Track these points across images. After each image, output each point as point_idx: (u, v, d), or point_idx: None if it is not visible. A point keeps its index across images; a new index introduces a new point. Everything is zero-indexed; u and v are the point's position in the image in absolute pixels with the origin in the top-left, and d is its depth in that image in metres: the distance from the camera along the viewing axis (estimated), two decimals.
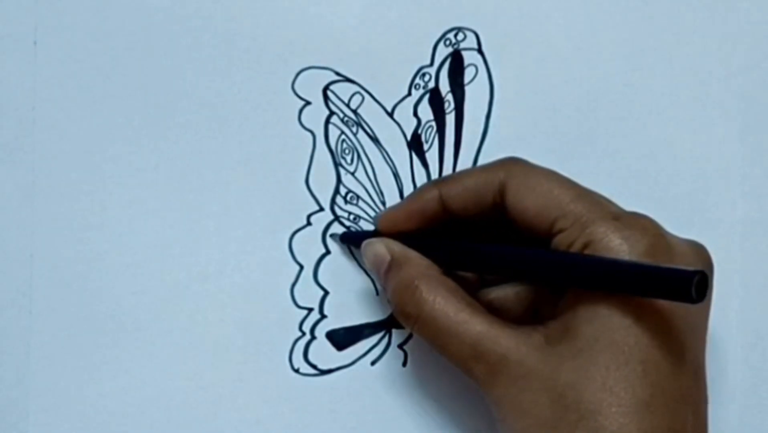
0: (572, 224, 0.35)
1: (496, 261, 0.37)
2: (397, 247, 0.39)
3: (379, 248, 0.39)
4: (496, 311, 0.37)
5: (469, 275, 0.39)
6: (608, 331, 0.33)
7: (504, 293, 0.39)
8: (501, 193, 0.37)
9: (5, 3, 0.41)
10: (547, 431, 0.33)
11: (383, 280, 0.39)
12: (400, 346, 0.42)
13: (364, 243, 0.40)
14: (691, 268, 0.31)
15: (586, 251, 0.34)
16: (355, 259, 0.42)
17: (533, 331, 0.35)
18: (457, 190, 0.38)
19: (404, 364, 0.42)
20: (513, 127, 0.42)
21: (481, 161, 0.42)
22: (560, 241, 0.35)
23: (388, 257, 0.38)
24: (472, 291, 0.38)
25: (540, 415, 0.33)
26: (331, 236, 0.41)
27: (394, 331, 0.42)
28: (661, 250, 0.34)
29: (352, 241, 0.41)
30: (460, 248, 0.38)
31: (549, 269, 0.35)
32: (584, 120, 0.42)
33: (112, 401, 0.41)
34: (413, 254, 0.38)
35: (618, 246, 0.33)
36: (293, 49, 0.41)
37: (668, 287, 0.31)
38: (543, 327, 0.35)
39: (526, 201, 0.36)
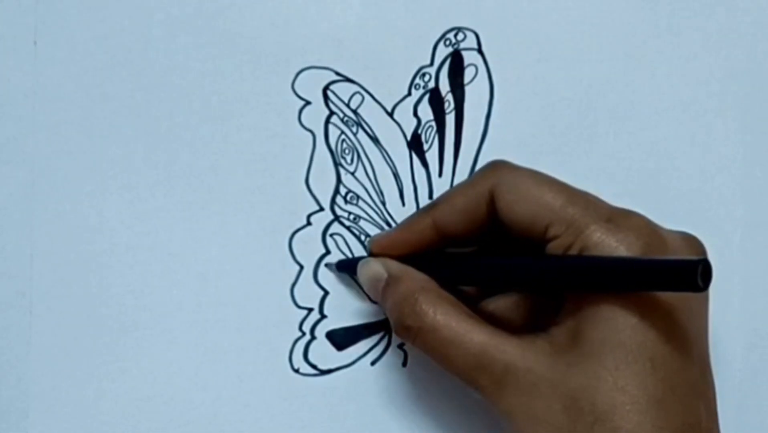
0: (566, 229, 0.35)
1: (494, 272, 0.37)
2: (393, 264, 0.39)
3: (375, 267, 0.39)
4: (497, 322, 0.37)
5: (467, 288, 0.39)
6: (614, 331, 0.33)
7: (503, 303, 0.39)
8: (491, 203, 0.37)
9: (5, 3, 0.41)
10: None
11: (381, 298, 0.38)
12: (400, 346, 0.42)
13: (360, 263, 0.40)
14: (694, 257, 0.31)
15: None
16: (355, 258, 0.42)
17: (536, 339, 0.35)
18: (449, 214, 0.38)
19: (404, 364, 0.42)
20: (513, 127, 0.42)
21: (481, 161, 0.42)
22: (555, 247, 0.35)
23: (385, 275, 0.38)
24: (472, 304, 0.38)
25: (554, 421, 0.33)
26: (327, 265, 0.41)
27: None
28: (656, 247, 0.34)
29: (347, 268, 0.41)
30: (457, 262, 0.38)
31: (550, 275, 0.34)
32: (584, 120, 0.42)
33: (112, 401, 0.41)
34: (410, 270, 0.38)
35: (614, 249, 0.33)
36: (293, 49, 0.41)
37: (674, 278, 0.31)
38: (546, 334, 0.35)
39: (517, 209, 0.36)
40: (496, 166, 0.37)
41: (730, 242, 0.42)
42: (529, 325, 0.38)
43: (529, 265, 0.35)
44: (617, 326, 0.33)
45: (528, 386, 0.34)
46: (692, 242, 0.36)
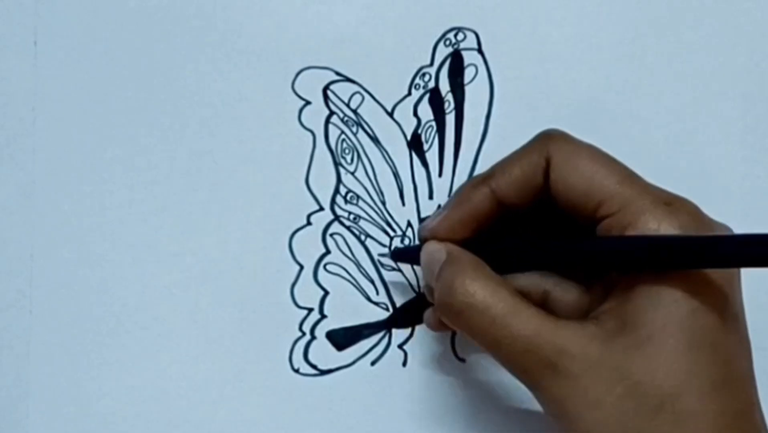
0: (620, 209, 0.34)
1: (572, 256, 0.36)
2: (454, 247, 0.37)
3: (435, 247, 0.37)
4: None
5: None
6: (676, 316, 0.33)
7: (519, 281, 0.38)
8: (548, 173, 0.36)
9: (5, 3, 0.41)
10: (627, 419, 0.32)
11: (436, 280, 0.37)
12: (400, 346, 0.42)
13: (423, 246, 0.38)
14: None
15: None
16: (356, 259, 0.42)
17: (586, 323, 0.34)
18: (507, 183, 0.37)
19: (404, 364, 0.42)
20: (513, 127, 0.42)
21: (480, 161, 0.42)
22: (609, 225, 0.34)
23: (444, 256, 0.37)
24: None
25: (616, 405, 0.32)
26: (381, 255, 0.41)
27: (394, 331, 0.42)
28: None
29: (404, 256, 0.41)
30: (523, 247, 0.37)
31: (634, 255, 0.33)
32: (584, 120, 0.42)
33: (112, 401, 0.41)
34: (467, 252, 0.37)
35: (674, 232, 0.33)
36: (293, 49, 0.41)
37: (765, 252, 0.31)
38: (595, 320, 0.34)
39: (571, 180, 0.35)
40: (552, 135, 0.37)
41: None
42: (569, 312, 0.37)
43: (612, 244, 0.34)
44: (678, 311, 0.33)
45: (584, 371, 0.33)
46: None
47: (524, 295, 0.37)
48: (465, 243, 0.37)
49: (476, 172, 0.42)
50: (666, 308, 0.33)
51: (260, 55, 0.41)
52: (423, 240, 0.39)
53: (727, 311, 0.33)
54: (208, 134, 0.41)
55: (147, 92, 0.41)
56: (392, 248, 0.42)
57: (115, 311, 0.41)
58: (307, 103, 0.41)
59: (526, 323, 0.34)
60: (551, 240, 0.37)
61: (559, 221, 0.37)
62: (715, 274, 0.33)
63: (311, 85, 0.41)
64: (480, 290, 0.35)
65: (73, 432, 0.41)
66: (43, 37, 0.41)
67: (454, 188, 0.42)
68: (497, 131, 0.42)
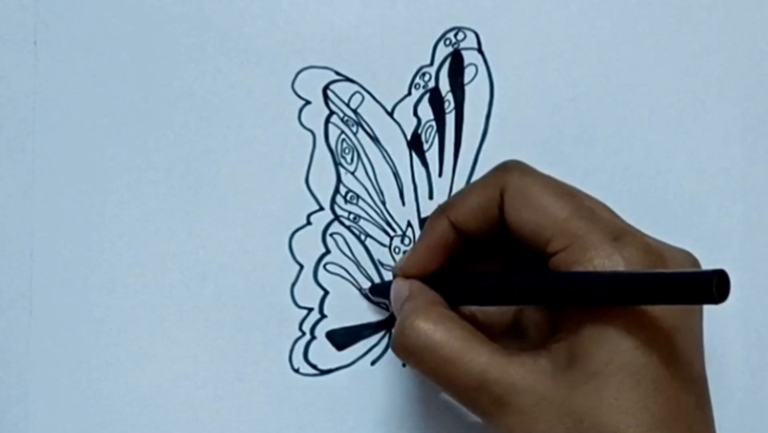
0: (570, 244, 0.34)
1: (518, 291, 0.36)
2: (416, 284, 0.38)
3: (400, 285, 0.38)
4: (478, 325, 0.36)
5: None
6: (619, 353, 0.33)
7: (500, 317, 0.38)
8: (501, 204, 0.36)
9: (5, 3, 0.41)
10: None
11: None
12: None
13: (392, 284, 0.39)
14: (710, 269, 0.30)
15: None
16: (356, 259, 0.42)
17: (538, 357, 0.34)
18: (464, 212, 0.37)
19: (404, 364, 0.42)
20: (513, 127, 0.42)
21: (481, 161, 0.42)
22: (558, 261, 0.34)
23: (406, 293, 0.37)
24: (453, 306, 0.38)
25: None
26: (361, 290, 0.41)
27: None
28: (660, 267, 0.34)
29: (380, 293, 0.41)
30: (476, 281, 0.37)
31: (561, 290, 0.34)
32: (584, 120, 0.42)
33: (112, 401, 0.41)
34: (426, 289, 0.38)
35: (620, 267, 0.33)
36: (293, 49, 0.41)
37: (690, 289, 0.30)
38: (547, 352, 0.34)
39: (522, 215, 0.35)
40: (509, 167, 0.36)
41: (730, 243, 0.42)
42: (511, 328, 0.38)
43: (541, 280, 0.35)
44: (621, 348, 0.33)
45: (530, 407, 0.33)
46: (692, 261, 0.35)
47: (497, 314, 0.38)
48: (434, 276, 0.38)
49: (476, 173, 0.42)
50: (611, 344, 0.33)
51: (260, 55, 0.41)
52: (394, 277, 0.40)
53: (674, 347, 0.33)
54: (208, 134, 0.41)
55: (147, 92, 0.41)
56: (371, 284, 0.42)
57: (115, 311, 0.41)
58: (307, 102, 0.41)
59: (476, 362, 0.34)
60: (496, 275, 0.37)
61: (521, 251, 0.37)
62: (667, 308, 0.33)
63: (311, 85, 0.41)
64: (431, 329, 0.35)
65: (73, 432, 0.41)
66: (43, 37, 0.41)
67: (455, 188, 0.42)
68: (497, 131, 0.42)
